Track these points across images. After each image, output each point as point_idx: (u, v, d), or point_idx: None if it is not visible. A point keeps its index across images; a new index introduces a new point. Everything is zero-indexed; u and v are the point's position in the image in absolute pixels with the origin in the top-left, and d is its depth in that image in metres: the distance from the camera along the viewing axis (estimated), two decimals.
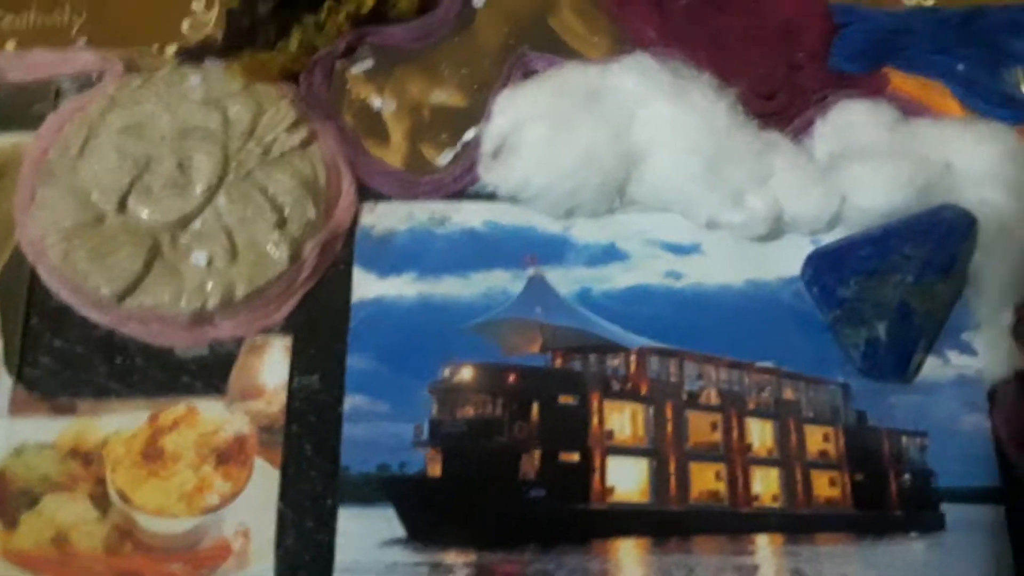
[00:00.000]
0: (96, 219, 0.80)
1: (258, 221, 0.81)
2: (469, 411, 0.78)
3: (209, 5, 0.93)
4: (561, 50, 0.93)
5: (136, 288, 0.79)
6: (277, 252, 0.80)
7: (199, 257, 0.79)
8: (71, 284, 0.79)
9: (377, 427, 0.77)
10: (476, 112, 0.89)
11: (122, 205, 0.81)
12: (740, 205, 0.82)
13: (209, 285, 0.79)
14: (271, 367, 0.79)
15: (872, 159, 0.81)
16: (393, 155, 0.89)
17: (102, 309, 0.79)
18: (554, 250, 0.84)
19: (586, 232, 0.84)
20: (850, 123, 0.85)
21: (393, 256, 0.83)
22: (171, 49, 0.91)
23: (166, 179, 0.81)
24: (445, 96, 0.91)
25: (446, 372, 0.79)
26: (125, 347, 0.80)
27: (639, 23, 0.93)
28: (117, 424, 0.77)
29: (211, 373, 0.79)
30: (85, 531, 0.73)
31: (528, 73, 0.91)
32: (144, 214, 0.80)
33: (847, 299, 0.77)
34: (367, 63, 0.91)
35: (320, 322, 0.82)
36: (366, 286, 0.82)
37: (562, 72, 0.87)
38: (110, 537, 0.73)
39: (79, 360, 0.79)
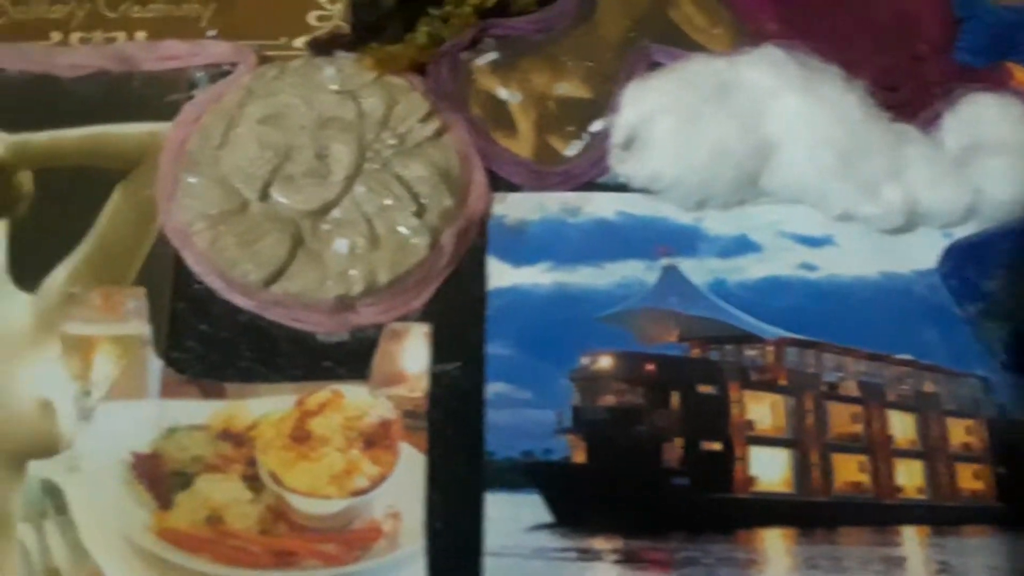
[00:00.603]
0: (240, 207, 0.81)
1: (397, 209, 0.82)
2: (610, 399, 0.78)
3: None
4: (682, 42, 0.94)
5: (282, 274, 0.80)
6: (417, 240, 0.81)
7: (341, 244, 0.81)
8: (218, 270, 0.80)
9: (520, 414, 0.78)
10: (601, 103, 0.90)
11: (265, 193, 0.82)
12: (875, 197, 0.82)
13: (352, 272, 0.80)
14: (411, 353, 0.80)
15: (1006, 152, 0.81)
16: (521, 146, 0.89)
17: (248, 294, 0.80)
18: (686, 241, 0.85)
19: (718, 223, 0.85)
20: (979, 116, 0.85)
21: (527, 245, 0.84)
22: (298, 41, 0.92)
23: (306, 168, 0.82)
24: (570, 87, 0.92)
25: (585, 360, 0.80)
26: (269, 332, 0.81)
27: (759, 15, 0.93)
28: (265, 407, 0.78)
29: (353, 359, 0.80)
30: (239, 511, 0.74)
31: (651, 65, 0.91)
32: (286, 202, 0.82)
33: (990, 292, 0.77)
34: (492, 55, 0.92)
35: (457, 310, 0.83)
36: (501, 275, 0.83)
37: (689, 64, 0.88)
38: (264, 517, 0.74)
39: (225, 344, 0.80)
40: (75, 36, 0.92)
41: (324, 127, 0.84)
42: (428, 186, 0.83)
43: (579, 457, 0.77)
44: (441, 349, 0.81)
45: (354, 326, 0.81)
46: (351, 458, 0.76)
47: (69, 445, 0.76)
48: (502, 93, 0.91)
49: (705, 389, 0.79)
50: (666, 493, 0.76)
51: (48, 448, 0.76)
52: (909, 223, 0.83)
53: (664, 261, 0.83)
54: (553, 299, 0.82)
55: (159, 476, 0.75)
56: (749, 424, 0.78)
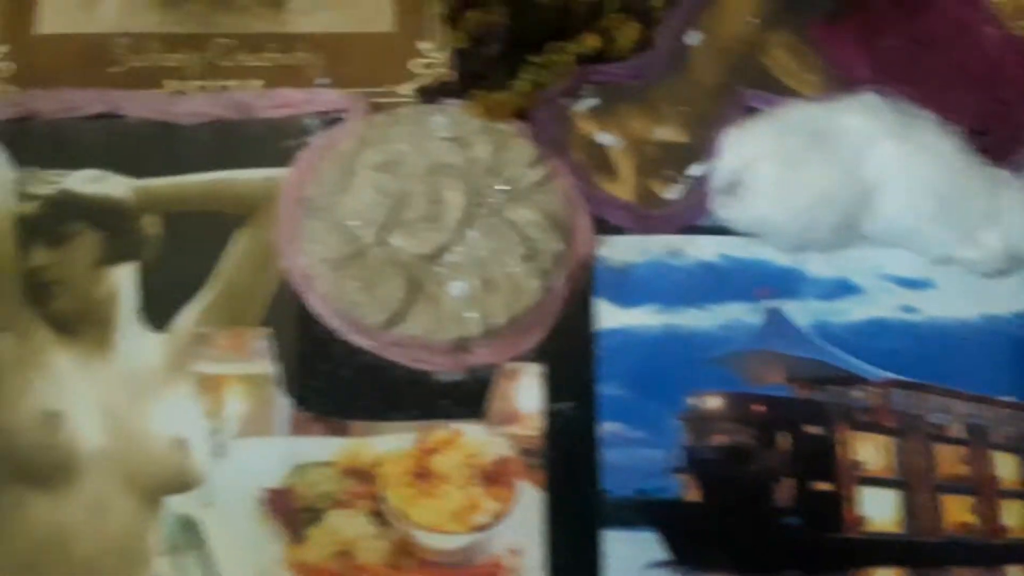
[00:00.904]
0: (359, 251, 0.85)
1: (510, 253, 0.85)
2: (720, 439, 0.81)
3: (437, 47, 0.96)
4: (775, 88, 0.96)
5: (401, 316, 0.83)
6: (530, 283, 0.84)
7: (457, 287, 0.84)
8: (340, 312, 0.83)
9: (633, 453, 0.81)
10: (699, 148, 0.93)
11: (382, 238, 0.85)
12: (974, 242, 0.84)
13: (469, 314, 0.83)
14: (526, 393, 0.83)
15: None
16: (622, 189, 0.92)
17: (369, 336, 0.83)
18: (788, 283, 0.87)
19: (819, 266, 0.87)
20: None
21: (633, 287, 0.87)
22: (403, 88, 0.95)
23: (421, 213, 0.86)
24: (667, 132, 0.95)
25: (694, 401, 0.82)
26: (389, 371, 0.84)
27: (851, 62, 0.96)
28: (388, 444, 0.81)
29: (469, 398, 0.83)
30: (367, 546, 0.77)
31: (747, 111, 0.93)
32: (403, 246, 0.85)
33: None
34: (591, 100, 0.95)
35: (568, 350, 0.85)
36: (610, 316, 0.86)
37: (788, 110, 0.91)
38: (391, 552, 0.78)
39: (347, 383, 0.84)
40: (191, 84, 0.94)
41: (436, 173, 0.87)
42: (539, 230, 0.86)
43: (693, 496, 0.79)
44: (553, 389, 0.83)
45: (470, 366, 0.84)
46: (471, 495, 0.79)
47: (203, 481, 0.79)
48: (602, 138, 0.94)
49: (813, 430, 0.81)
50: (779, 532, 0.78)
51: (183, 484, 0.79)
52: (1008, 267, 0.84)
53: (767, 303, 0.85)
54: (661, 340, 0.85)
55: (290, 511, 0.78)
56: (856, 465, 0.81)
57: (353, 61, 0.96)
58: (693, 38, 0.98)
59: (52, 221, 0.88)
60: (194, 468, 0.80)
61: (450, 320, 0.83)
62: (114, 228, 0.88)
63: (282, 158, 0.92)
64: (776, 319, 0.85)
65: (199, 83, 0.95)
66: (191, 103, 0.93)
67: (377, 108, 0.94)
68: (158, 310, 0.86)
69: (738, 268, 0.87)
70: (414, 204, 0.86)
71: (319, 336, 0.85)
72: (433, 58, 0.97)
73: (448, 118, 0.91)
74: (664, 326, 0.85)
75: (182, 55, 0.96)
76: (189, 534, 0.77)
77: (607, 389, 0.83)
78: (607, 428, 0.81)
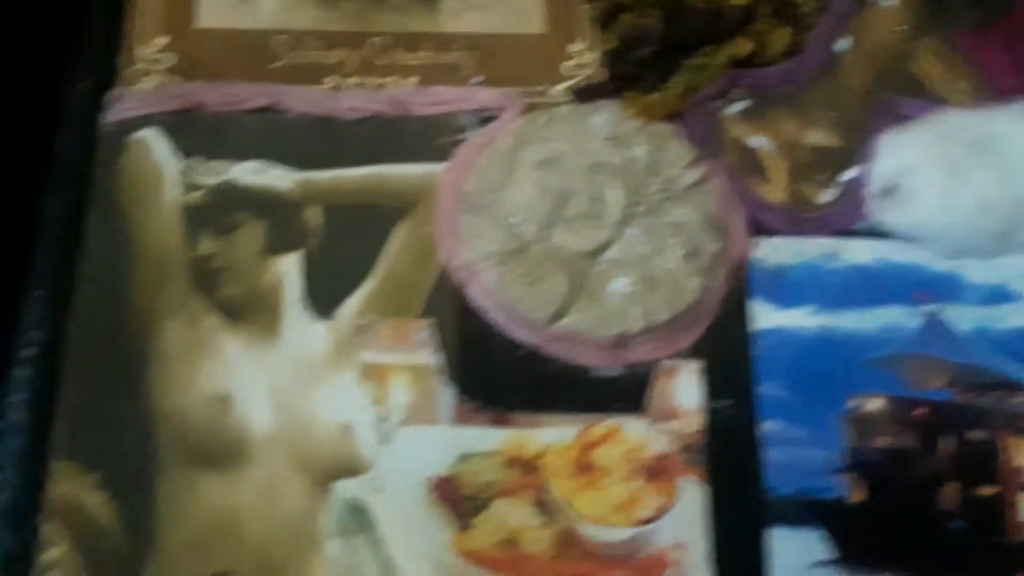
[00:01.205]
0: (521, 247, 0.86)
1: (669, 252, 0.86)
2: (883, 441, 0.81)
3: (588, 49, 0.97)
4: (923, 95, 0.96)
5: (565, 312, 0.83)
6: (690, 281, 0.85)
7: (619, 284, 0.84)
8: (503, 306, 0.84)
9: (795, 452, 0.81)
10: (851, 153, 0.94)
11: (544, 234, 0.85)
12: None
13: (631, 311, 0.83)
14: (684, 390, 0.83)
15: None
16: (775, 192, 0.93)
17: (531, 330, 0.84)
18: (946, 288, 0.87)
19: (977, 272, 0.87)
20: None
21: (788, 289, 0.87)
22: (556, 89, 0.96)
23: (581, 211, 0.86)
24: (819, 137, 0.95)
25: (856, 402, 0.82)
26: (548, 366, 0.85)
27: (997, 69, 0.95)
28: (550, 437, 0.82)
29: (628, 393, 0.84)
30: (533, 536, 0.78)
31: (898, 117, 0.93)
32: (564, 243, 0.85)
33: None
34: (742, 104, 0.95)
35: (724, 349, 0.86)
36: (766, 317, 0.86)
37: (945, 118, 0.90)
38: (556, 542, 0.78)
39: (508, 376, 0.84)
40: (349, 81, 0.95)
41: (595, 172, 0.88)
42: (697, 230, 0.87)
43: (858, 496, 0.79)
44: (711, 386, 0.83)
45: (628, 362, 0.85)
46: (634, 489, 0.79)
47: (371, 467, 0.80)
48: (754, 141, 0.94)
49: (975, 435, 0.81)
50: (943, 535, 0.78)
51: (352, 469, 0.81)
52: None
53: (926, 308, 0.85)
54: (818, 341, 0.85)
55: (456, 499, 0.79)
56: (1020, 471, 0.80)
57: (505, 61, 0.98)
58: (842, 44, 0.97)
59: (218, 211, 0.89)
60: (361, 454, 0.81)
61: (611, 316, 0.84)
62: (278, 218, 0.89)
63: (438, 154, 0.92)
64: (935, 323, 0.85)
65: (356, 80, 0.95)
66: (351, 98, 0.94)
67: (530, 108, 0.94)
68: (322, 299, 0.87)
69: (894, 272, 0.87)
70: (575, 202, 0.87)
71: (479, 329, 0.86)
72: (583, 59, 0.97)
73: (606, 118, 0.91)
74: (821, 327, 0.85)
75: (340, 52, 0.97)
76: (359, 518, 0.78)
77: (766, 388, 0.83)
78: (767, 427, 0.81)
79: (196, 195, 0.89)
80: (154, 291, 0.87)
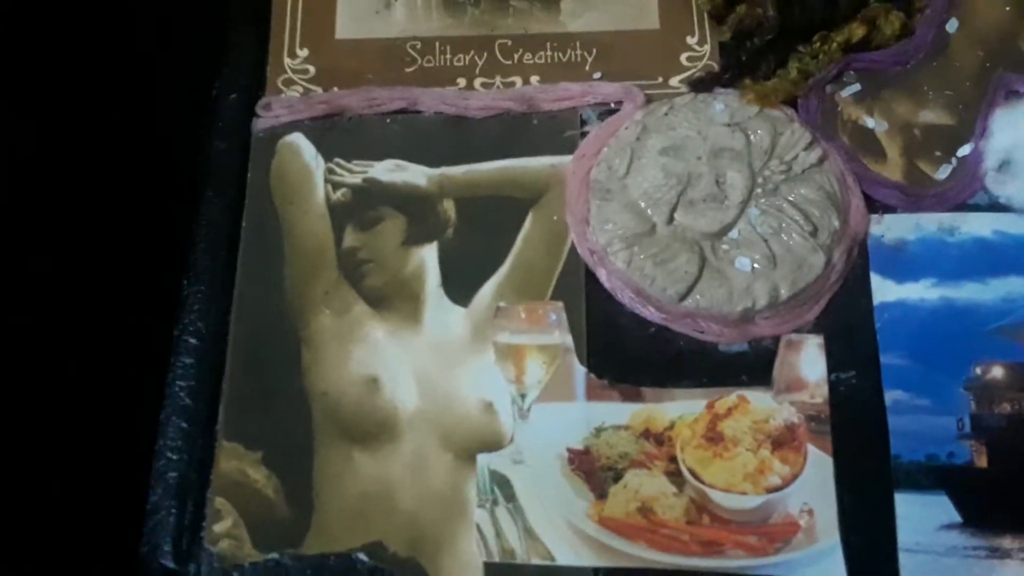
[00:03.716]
0: (650, 230, 0.86)
1: (792, 230, 0.85)
2: (1006, 407, 0.79)
3: (702, 41, 0.96)
4: None
5: (693, 290, 0.83)
6: (813, 258, 0.84)
7: (744, 263, 0.84)
8: (634, 286, 0.84)
9: (920, 420, 0.79)
10: (964, 129, 0.92)
11: (671, 217, 0.85)
12: None
13: (756, 287, 0.82)
14: (808, 363, 0.82)
15: None
16: (892, 171, 0.91)
17: (661, 308, 0.84)
18: None
19: None
20: None
21: (907, 263, 0.86)
22: (674, 80, 0.96)
23: (706, 194, 0.86)
24: (933, 116, 0.93)
25: (978, 371, 0.80)
26: (675, 342, 0.85)
27: None
28: (679, 410, 0.81)
29: (754, 367, 0.83)
30: (666, 504, 0.78)
31: (1010, 93, 0.91)
32: (690, 224, 0.85)
33: None
34: (855, 87, 0.94)
35: (846, 322, 0.84)
36: (886, 290, 0.85)
37: None
38: (688, 509, 0.78)
39: (637, 352, 0.84)
40: (477, 81, 0.96)
41: (718, 156, 0.88)
42: (818, 208, 0.85)
43: (981, 462, 0.78)
44: (834, 359, 0.82)
45: (752, 337, 0.84)
46: (761, 458, 0.79)
47: (511, 440, 0.81)
48: (869, 122, 0.93)
49: None
50: None
51: (493, 443, 0.82)
52: None
53: None
54: (940, 313, 0.84)
55: (592, 470, 0.80)
56: None
57: (624, 57, 0.98)
58: (952, 25, 0.95)
59: (361, 207, 0.91)
60: (502, 429, 0.82)
61: (738, 293, 0.83)
62: (416, 212, 0.91)
63: (564, 147, 0.94)
64: None
65: (484, 80, 0.97)
66: (482, 98, 0.95)
67: (650, 100, 0.94)
68: (459, 286, 0.88)
69: (1014, 244, 0.85)
70: (699, 185, 0.87)
71: (608, 309, 0.86)
72: (698, 51, 0.97)
73: (725, 105, 0.91)
74: (941, 299, 0.84)
75: (468, 55, 0.98)
76: (502, 488, 0.79)
77: (889, 359, 0.82)
78: (892, 396, 0.80)
79: (341, 193, 0.91)
80: (306, 283, 0.89)
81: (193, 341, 0.86)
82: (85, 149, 0.89)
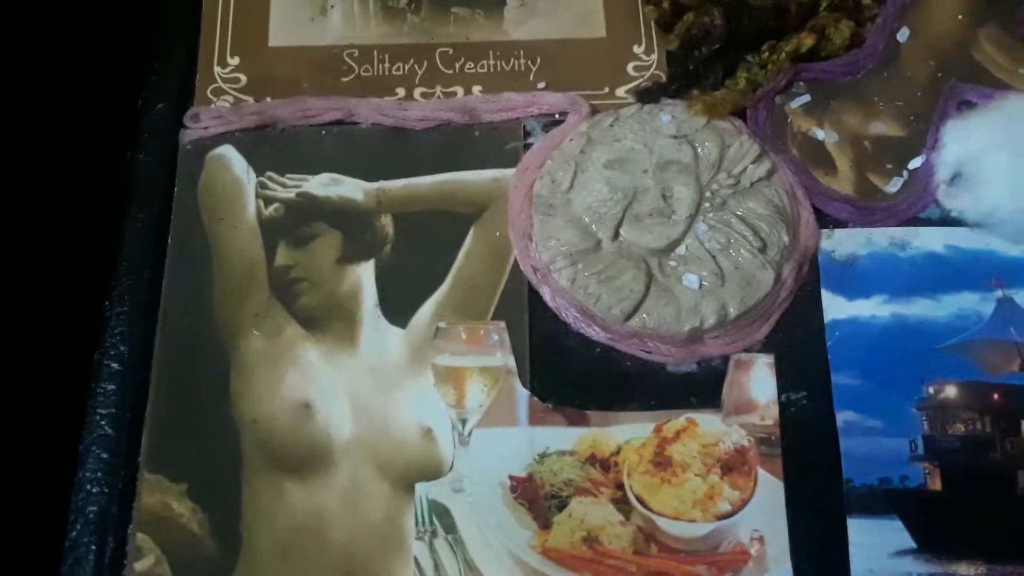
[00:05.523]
0: (595, 246, 0.83)
1: (740, 246, 0.82)
2: (959, 428, 0.77)
3: (649, 50, 0.94)
4: (987, 81, 0.92)
5: (639, 308, 0.80)
6: (762, 275, 0.81)
7: (692, 280, 0.81)
8: (578, 305, 0.81)
9: (873, 442, 0.77)
10: (915, 141, 0.90)
11: (616, 233, 0.83)
12: None
13: (704, 306, 0.80)
14: (759, 383, 0.80)
15: None
16: (842, 183, 0.89)
17: (606, 328, 0.81)
18: (1018, 273, 0.82)
19: None
20: None
21: (858, 279, 0.84)
22: (620, 90, 0.93)
23: (652, 208, 0.84)
24: (883, 127, 0.91)
25: (930, 390, 0.78)
26: (621, 363, 0.82)
27: None
28: (626, 434, 0.79)
29: (703, 388, 0.81)
30: (613, 533, 0.76)
31: (962, 104, 0.89)
32: (636, 241, 0.82)
33: None
34: (804, 97, 0.92)
35: (797, 341, 0.82)
36: (837, 307, 0.83)
37: (1009, 103, 0.86)
38: (636, 539, 0.76)
39: (581, 374, 0.81)
40: (417, 91, 0.93)
41: (664, 169, 0.85)
42: (767, 223, 0.83)
43: (935, 485, 0.76)
44: (784, 379, 0.80)
45: (701, 357, 0.82)
46: (711, 483, 0.77)
47: (451, 468, 0.78)
48: (819, 134, 0.91)
49: None
50: (1022, 521, 0.74)
51: (432, 471, 0.79)
52: None
53: (999, 293, 0.81)
54: (892, 330, 0.82)
55: (536, 498, 0.77)
56: None
57: (569, 66, 0.96)
58: (903, 34, 0.93)
59: (294, 223, 0.87)
60: (441, 456, 0.79)
61: (684, 312, 0.80)
62: (352, 228, 0.88)
63: (506, 159, 0.90)
64: (1008, 308, 0.81)
65: (425, 90, 0.94)
66: (422, 108, 0.92)
67: (595, 110, 0.91)
68: (397, 306, 0.85)
69: (966, 259, 0.84)
70: (645, 199, 0.85)
71: (552, 329, 0.83)
72: (645, 61, 0.95)
73: (672, 116, 0.88)
74: (893, 316, 0.82)
75: (407, 64, 0.95)
76: (441, 519, 0.76)
77: (841, 378, 0.80)
78: (843, 417, 0.78)
79: (273, 208, 0.87)
80: (236, 304, 0.85)
81: (115, 366, 0.82)
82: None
